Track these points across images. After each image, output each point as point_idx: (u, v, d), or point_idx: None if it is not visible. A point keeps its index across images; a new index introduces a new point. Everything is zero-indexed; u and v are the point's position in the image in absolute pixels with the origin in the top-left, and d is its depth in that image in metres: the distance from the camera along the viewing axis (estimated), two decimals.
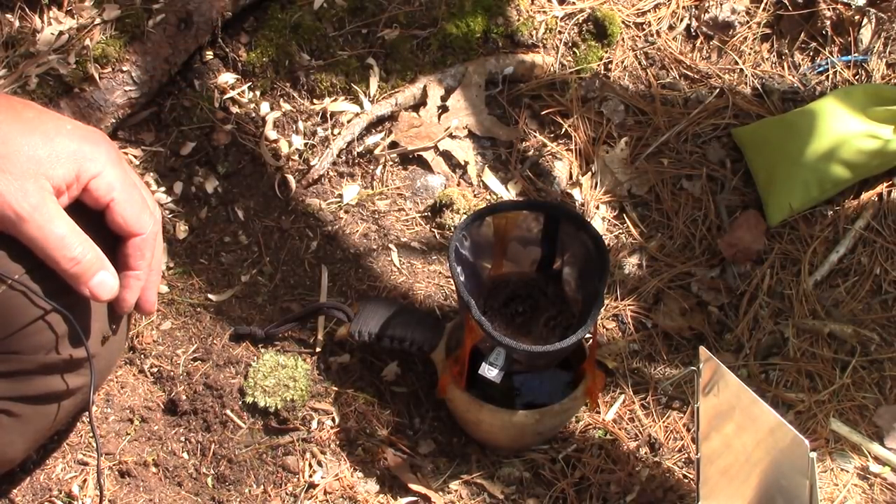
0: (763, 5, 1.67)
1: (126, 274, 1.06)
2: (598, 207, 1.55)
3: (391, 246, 1.51)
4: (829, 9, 1.64)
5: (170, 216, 1.51)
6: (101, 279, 1.02)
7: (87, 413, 1.31)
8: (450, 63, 1.60)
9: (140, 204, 1.05)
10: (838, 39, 1.64)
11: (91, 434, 1.31)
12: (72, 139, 1.01)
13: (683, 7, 1.68)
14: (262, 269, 1.48)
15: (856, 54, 1.62)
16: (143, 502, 1.27)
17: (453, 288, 1.46)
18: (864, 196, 1.52)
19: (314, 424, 1.35)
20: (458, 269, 1.25)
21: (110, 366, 1.17)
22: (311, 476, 1.32)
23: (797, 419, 1.37)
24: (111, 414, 1.35)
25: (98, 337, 1.09)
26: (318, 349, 1.42)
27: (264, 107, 1.56)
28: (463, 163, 1.57)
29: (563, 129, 1.60)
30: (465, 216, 1.44)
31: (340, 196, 1.53)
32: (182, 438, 1.34)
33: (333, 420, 1.36)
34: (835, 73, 1.62)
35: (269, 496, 1.30)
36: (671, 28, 1.67)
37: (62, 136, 1.00)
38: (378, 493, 1.31)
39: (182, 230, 1.50)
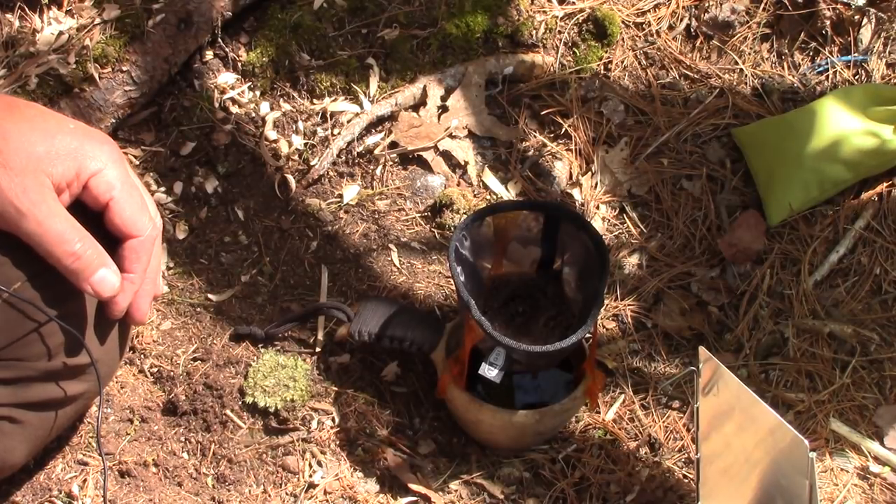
0: (763, 5, 1.67)
1: (121, 276, 1.05)
2: (598, 207, 1.56)
3: (391, 246, 1.51)
4: (829, 9, 1.64)
5: (170, 216, 1.51)
6: (103, 275, 1.01)
7: (87, 414, 1.31)
8: (450, 63, 1.60)
9: (139, 205, 1.04)
10: (838, 39, 1.64)
11: (91, 435, 1.31)
12: (73, 137, 1.00)
13: (683, 7, 1.68)
14: (262, 269, 1.48)
15: (856, 54, 1.62)
16: (143, 502, 1.27)
17: (453, 288, 1.46)
18: (864, 196, 1.52)
19: (314, 424, 1.35)
20: (458, 269, 1.25)
21: (111, 371, 1.17)
22: (311, 476, 1.32)
23: (797, 419, 1.37)
24: (111, 414, 1.35)
25: (99, 342, 1.09)
26: (318, 349, 1.42)
27: (264, 107, 1.56)
28: (463, 163, 1.57)
29: (563, 129, 1.60)
30: (465, 216, 1.44)
31: (340, 196, 1.53)
32: (182, 438, 1.34)
33: (333, 420, 1.36)
34: (835, 73, 1.62)
35: (269, 496, 1.30)
36: (671, 28, 1.67)
37: (63, 134, 1.00)
38: (378, 493, 1.31)
39: (182, 230, 1.50)
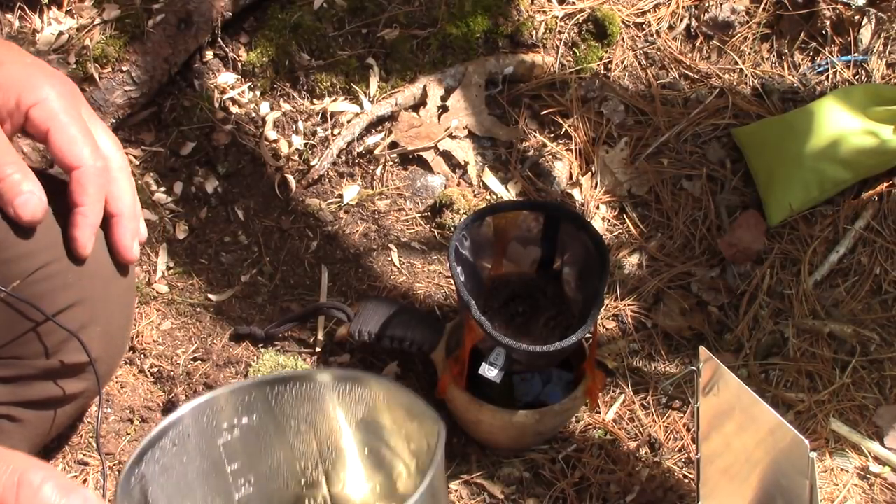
0: (763, 5, 1.67)
1: (74, 211, 1.01)
2: (598, 207, 1.56)
3: (391, 246, 1.51)
4: (829, 9, 1.64)
5: (170, 216, 1.51)
6: (26, 199, 0.99)
7: (87, 414, 1.31)
8: (450, 63, 1.60)
9: (79, 135, 1.00)
10: (838, 39, 1.64)
11: (91, 435, 1.31)
12: (24, 68, 0.99)
13: (683, 7, 1.68)
14: (262, 269, 1.48)
15: (856, 54, 1.62)
16: None
17: (453, 288, 1.46)
18: (864, 196, 1.52)
19: None
20: (458, 268, 1.25)
21: (111, 370, 1.17)
22: None
23: (797, 419, 1.37)
24: (111, 414, 1.35)
25: (101, 340, 1.09)
26: (318, 349, 1.42)
27: (264, 107, 1.56)
28: (463, 163, 1.57)
29: (563, 129, 1.60)
30: (465, 216, 1.44)
31: (340, 196, 1.53)
32: None
33: None
34: (835, 73, 1.62)
35: None
36: (671, 28, 1.67)
37: (14, 65, 0.99)
38: None
39: (182, 230, 1.50)
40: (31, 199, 0.98)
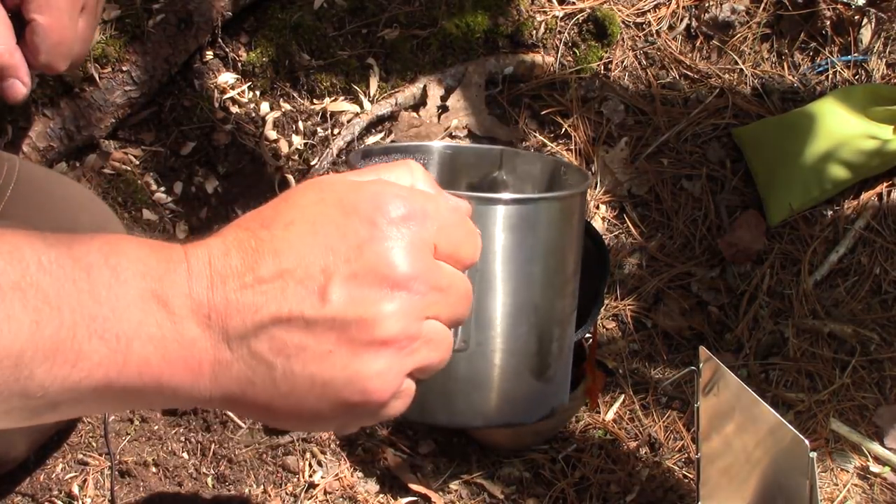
0: (763, 5, 1.67)
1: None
2: (598, 207, 1.55)
3: None
4: (829, 9, 1.64)
5: (170, 216, 1.51)
6: (12, 83, 1.02)
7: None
8: (450, 63, 1.60)
9: (63, 38, 1.04)
10: (838, 39, 1.64)
11: (91, 434, 1.31)
12: None
13: (683, 7, 1.68)
14: None
15: (856, 54, 1.62)
16: (143, 502, 1.27)
17: None
18: (864, 196, 1.52)
19: None
20: None
21: None
22: (311, 476, 1.32)
23: (797, 419, 1.37)
24: (111, 414, 1.35)
25: None
26: None
27: (264, 107, 1.56)
28: None
29: (563, 129, 1.60)
30: None
31: None
32: (182, 438, 1.34)
33: None
34: (835, 73, 1.62)
35: (269, 496, 1.30)
36: (671, 28, 1.67)
37: None
38: (378, 493, 1.31)
39: (182, 230, 1.50)
40: (14, 85, 1.02)
